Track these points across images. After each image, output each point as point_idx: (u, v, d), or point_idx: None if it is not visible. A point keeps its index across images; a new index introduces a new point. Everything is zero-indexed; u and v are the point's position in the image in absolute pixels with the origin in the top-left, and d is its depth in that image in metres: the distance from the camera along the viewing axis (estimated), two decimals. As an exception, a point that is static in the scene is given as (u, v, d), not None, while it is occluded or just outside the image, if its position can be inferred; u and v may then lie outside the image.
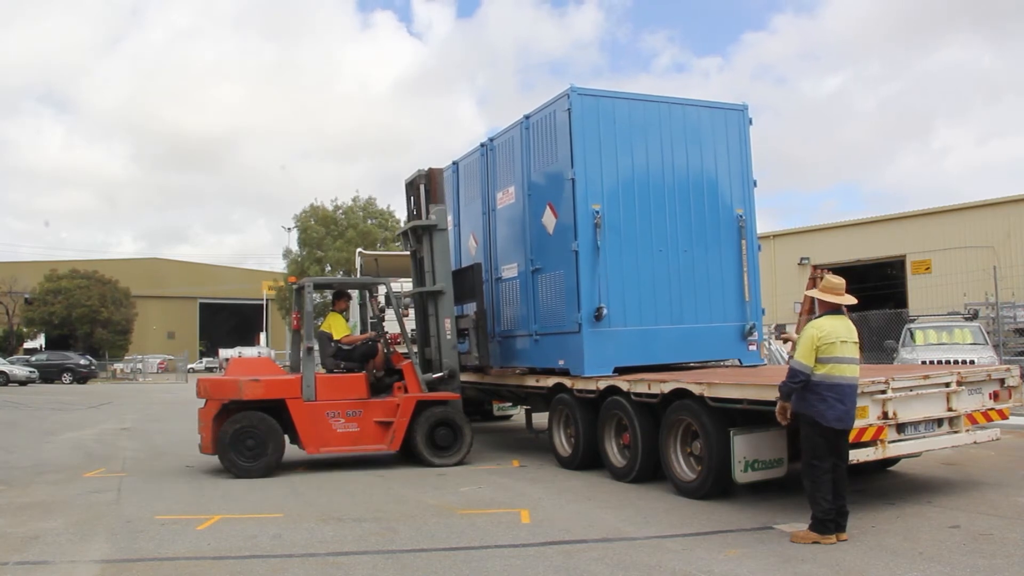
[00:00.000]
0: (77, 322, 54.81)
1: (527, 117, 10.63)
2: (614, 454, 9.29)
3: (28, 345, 57.33)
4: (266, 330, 61.34)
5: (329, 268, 49.25)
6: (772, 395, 6.94)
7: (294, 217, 53.40)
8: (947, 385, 7.46)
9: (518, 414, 15.36)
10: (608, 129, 9.69)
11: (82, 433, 16.20)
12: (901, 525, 6.66)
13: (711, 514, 7.25)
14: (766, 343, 26.37)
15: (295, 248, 52.22)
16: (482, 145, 11.96)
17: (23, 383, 39.51)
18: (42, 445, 14.11)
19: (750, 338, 10.34)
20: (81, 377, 43.81)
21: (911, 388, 7.23)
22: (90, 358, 47.82)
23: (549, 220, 10.08)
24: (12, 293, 54.70)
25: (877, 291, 30.36)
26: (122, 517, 7.79)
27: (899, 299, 29.54)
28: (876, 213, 34.18)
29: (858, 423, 6.77)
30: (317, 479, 9.75)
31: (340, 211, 51.02)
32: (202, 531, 7.12)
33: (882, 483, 8.50)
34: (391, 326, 18.67)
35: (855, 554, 5.83)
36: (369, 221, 50.36)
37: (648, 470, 8.66)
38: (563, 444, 10.29)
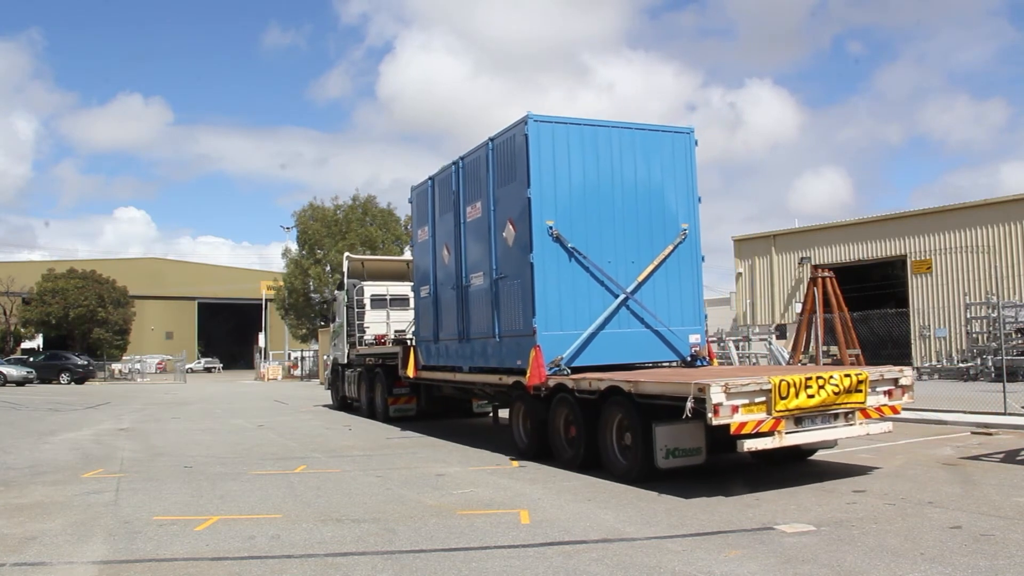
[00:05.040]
0: (75, 322, 54.63)
1: (492, 139, 11.56)
2: (563, 445, 10.26)
3: (26, 345, 57.23)
4: (265, 330, 61.17)
5: (329, 269, 49.01)
6: (687, 391, 7.86)
7: (293, 215, 53.37)
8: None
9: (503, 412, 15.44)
10: (562, 152, 10.64)
11: (80, 434, 16.18)
12: (902, 525, 6.64)
13: (711, 515, 7.23)
14: (767, 342, 26.52)
15: (294, 247, 52.05)
16: (454, 163, 12.89)
17: (20, 383, 39.48)
18: (40, 446, 14.08)
19: (693, 340, 11.31)
20: (79, 377, 43.81)
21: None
22: (88, 358, 47.78)
23: (510, 234, 11.07)
24: (9, 293, 54.58)
25: (878, 291, 30.38)
26: (120, 518, 7.77)
27: (900, 299, 29.54)
28: (876, 213, 34.14)
29: (756, 416, 7.83)
30: (315, 479, 9.73)
31: (340, 210, 50.76)
32: (200, 532, 7.10)
33: (883, 483, 8.49)
34: (376, 327, 18.90)
35: (856, 555, 5.81)
36: (369, 223, 49.89)
37: (591, 459, 9.59)
38: (521, 436, 11.34)
